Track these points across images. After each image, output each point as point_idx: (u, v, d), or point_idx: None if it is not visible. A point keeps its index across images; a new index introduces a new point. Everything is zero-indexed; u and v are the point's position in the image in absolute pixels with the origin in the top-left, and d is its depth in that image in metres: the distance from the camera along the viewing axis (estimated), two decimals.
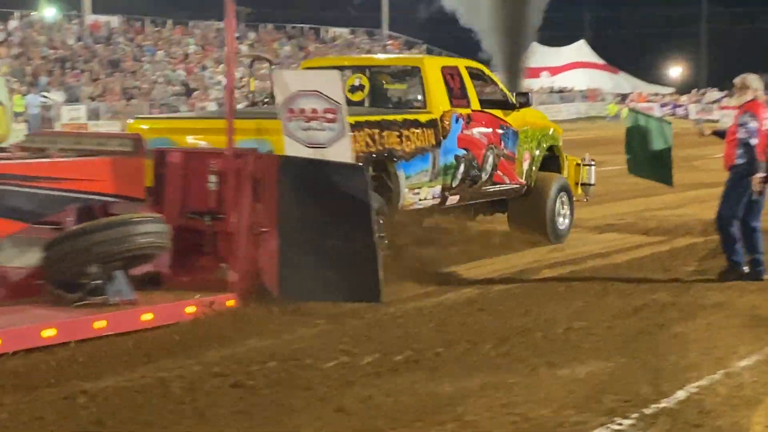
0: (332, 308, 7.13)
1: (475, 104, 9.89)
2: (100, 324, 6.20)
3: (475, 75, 10.18)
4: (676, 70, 78.17)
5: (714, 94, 58.18)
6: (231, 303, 6.90)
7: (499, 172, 10.06)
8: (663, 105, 55.33)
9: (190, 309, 6.69)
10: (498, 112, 10.17)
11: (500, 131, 10.12)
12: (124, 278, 6.69)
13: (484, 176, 9.82)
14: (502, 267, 9.30)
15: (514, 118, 10.36)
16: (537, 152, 10.68)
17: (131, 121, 8.81)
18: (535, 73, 54.38)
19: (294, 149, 7.51)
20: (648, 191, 14.43)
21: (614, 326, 6.90)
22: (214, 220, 7.35)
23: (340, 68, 9.32)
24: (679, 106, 54.35)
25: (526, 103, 10.55)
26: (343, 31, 50.69)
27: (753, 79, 8.48)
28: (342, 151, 7.42)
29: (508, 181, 10.27)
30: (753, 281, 8.34)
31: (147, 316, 6.47)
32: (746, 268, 8.49)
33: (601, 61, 63.01)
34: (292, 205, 7.08)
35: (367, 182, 7.03)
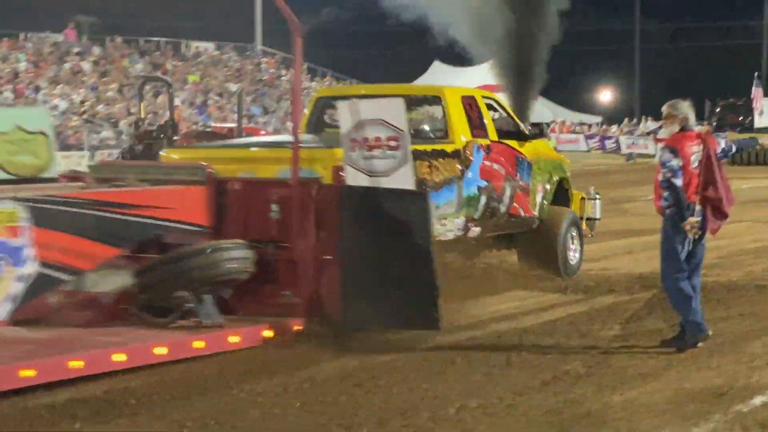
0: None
1: (493, 134, 11.31)
2: (199, 344, 7.86)
3: (490, 105, 11.73)
4: (605, 96, 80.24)
5: (649, 124, 59.94)
6: (298, 327, 8.53)
7: (515, 204, 11.43)
8: (589, 137, 56.74)
9: (267, 333, 8.34)
10: (513, 143, 11.62)
11: (516, 162, 11.54)
12: (212, 302, 8.25)
13: (503, 208, 11.21)
14: (389, 334, 9.25)
15: (527, 149, 11.84)
16: (548, 185, 12.19)
17: (163, 152, 10.45)
18: None
19: (355, 178, 8.81)
20: None
21: (517, 404, 6.92)
22: (276, 249, 8.73)
23: (359, 97, 10.53)
24: (609, 137, 55.81)
25: (540, 134, 12.23)
26: (208, 46, 50.54)
27: (681, 107, 8.62)
28: (404, 179, 8.77)
29: (523, 214, 11.64)
30: (685, 347, 8.45)
31: (234, 339, 8.12)
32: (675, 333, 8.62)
33: None
34: (354, 233, 8.52)
35: (428, 210, 8.51)
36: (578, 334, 9.27)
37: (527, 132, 11.99)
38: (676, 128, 8.55)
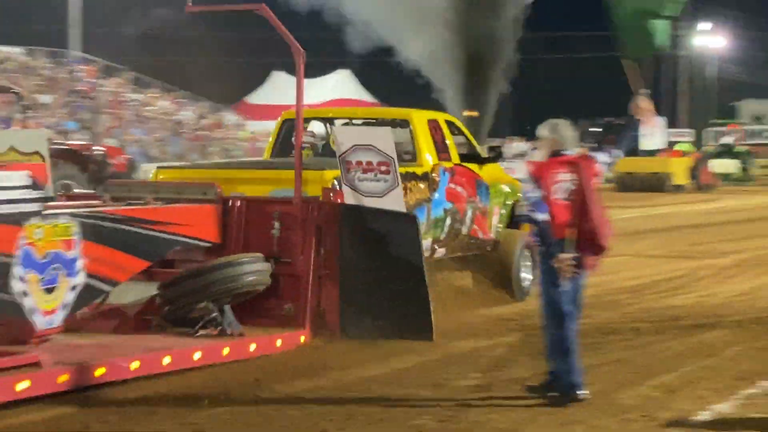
0: None
1: (455, 157, 13.37)
2: (226, 351, 9.96)
3: (451, 128, 13.79)
4: (470, 113, 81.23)
5: (520, 145, 61.08)
6: (303, 339, 10.68)
7: (475, 226, 13.49)
8: None
9: (279, 342, 10.44)
10: (474, 166, 13.69)
11: (476, 185, 13.62)
12: (231, 312, 10.30)
13: (465, 230, 13.26)
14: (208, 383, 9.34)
15: (485, 172, 13.92)
16: (503, 209, 14.33)
17: (154, 169, 12.13)
18: (274, 112, 55.02)
19: (352, 198, 11.20)
20: None
21: None
22: (277, 264, 10.66)
23: (326, 119, 13.90)
24: None
25: (497, 157, 14.69)
26: (14, 51, 49.33)
27: (557, 128, 8.82)
28: (395, 201, 11.13)
29: (481, 236, 13.71)
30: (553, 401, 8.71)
31: (253, 346, 10.19)
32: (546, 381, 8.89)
33: (370, 98, 64.56)
34: (351, 250, 10.75)
35: (419, 230, 10.87)
36: (431, 383, 9.47)
37: (484, 155, 14.21)
38: (548, 152, 8.76)
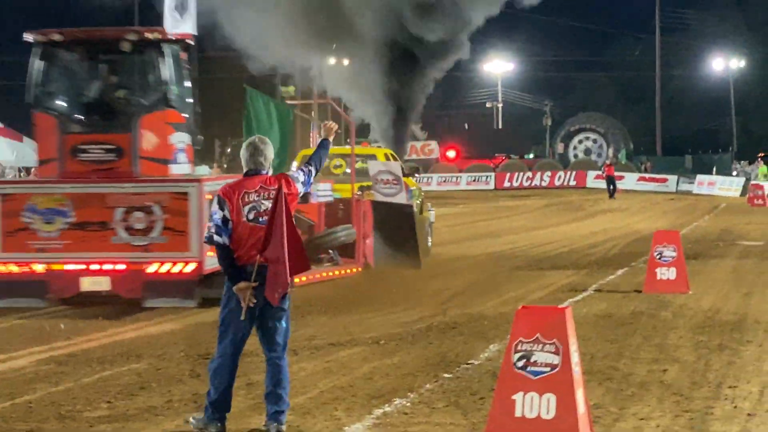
0: None
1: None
2: (336, 272, 18.79)
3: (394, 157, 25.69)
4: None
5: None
6: (359, 268, 19.31)
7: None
8: None
9: (355, 269, 19.17)
10: (408, 179, 22.80)
11: (409, 190, 22.36)
12: (337, 253, 19.04)
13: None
14: None
15: (408, 181, 22.56)
16: (419, 202, 23.66)
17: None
18: None
19: (380, 197, 20.28)
20: None
21: None
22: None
23: (341, 154, 24.08)
24: None
25: (417, 171, 26.77)
26: None
27: (250, 146, 8.45)
28: (400, 198, 20.37)
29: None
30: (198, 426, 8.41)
31: (349, 270, 19.03)
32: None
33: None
34: (379, 222, 19.84)
35: (413, 213, 20.60)
36: (57, 416, 9.09)
37: (407, 170, 24.12)
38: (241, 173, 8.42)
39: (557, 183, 64.47)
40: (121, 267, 14.76)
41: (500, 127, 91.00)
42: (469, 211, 41.94)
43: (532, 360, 7.43)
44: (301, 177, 8.56)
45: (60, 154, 15.40)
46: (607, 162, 60.19)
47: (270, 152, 8.47)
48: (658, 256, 16.34)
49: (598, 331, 12.98)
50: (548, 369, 7.41)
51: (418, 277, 18.81)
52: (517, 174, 65.81)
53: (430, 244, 23.40)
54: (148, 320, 14.38)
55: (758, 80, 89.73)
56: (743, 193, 53.55)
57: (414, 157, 64.47)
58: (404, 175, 21.18)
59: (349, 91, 40.31)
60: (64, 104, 15.94)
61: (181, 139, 15.81)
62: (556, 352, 7.40)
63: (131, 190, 14.89)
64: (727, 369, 10.74)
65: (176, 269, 14.73)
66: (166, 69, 15.57)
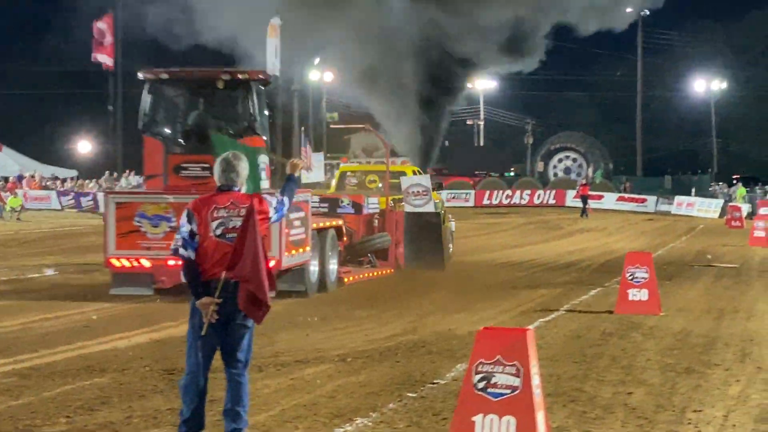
0: None
1: None
2: (374, 273, 22.43)
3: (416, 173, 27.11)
4: (83, 146, 79.71)
5: (131, 179, 60.34)
6: (392, 270, 22.99)
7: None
8: (62, 193, 56.01)
9: (388, 271, 22.85)
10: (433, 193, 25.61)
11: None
12: (374, 257, 22.89)
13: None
14: None
15: (433, 194, 25.27)
16: (442, 213, 26.34)
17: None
18: None
19: (410, 208, 23.96)
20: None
21: None
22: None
23: (370, 171, 29.45)
24: (85, 194, 55.39)
25: (440, 187, 32.00)
26: None
27: (223, 163, 8.32)
28: (429, 207, 24.01)
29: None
30: None
31: (384, 271, 22.74)
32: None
33: None
34: (409, 228, 23.45)
35: (440, 218, 24.44)
36: (14, 430, 8.99)
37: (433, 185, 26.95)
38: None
39: (536, 201, 64.62)
40: None
41: (482, 144, 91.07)
42: None
43: (492, 382, 7.37)
44: (274, 202, 8.43)
45: (164, 170, 18.85)
46: (583, 182, 60.49)
47: (243, 169, 8.34)
48: (630, 277, 16.32)
49: (566, 351, 12.94)
50: (509, 391, 7.35)
51: (391, 294, 18.77)
52: (496, 192, 65.96)
53: (451, 250, 26.19)
54: (115, 333, 14.27)
55: (739, 102, 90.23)
56: (722, 215, 53.73)
57: None
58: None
59: (388, 119, 43.87)
60: (169, 130, 19.29)
61: (262, 160, 18.17)
62: (517, 374, 7.35)
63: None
64: (693, 393, 10.69)
65: None
66: (251, 102, 18.89)
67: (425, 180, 24.48)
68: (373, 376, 11.46)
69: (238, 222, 8.05)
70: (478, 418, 7.36)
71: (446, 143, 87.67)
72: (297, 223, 18.12)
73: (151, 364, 11.95)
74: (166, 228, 17.65)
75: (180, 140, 19.07)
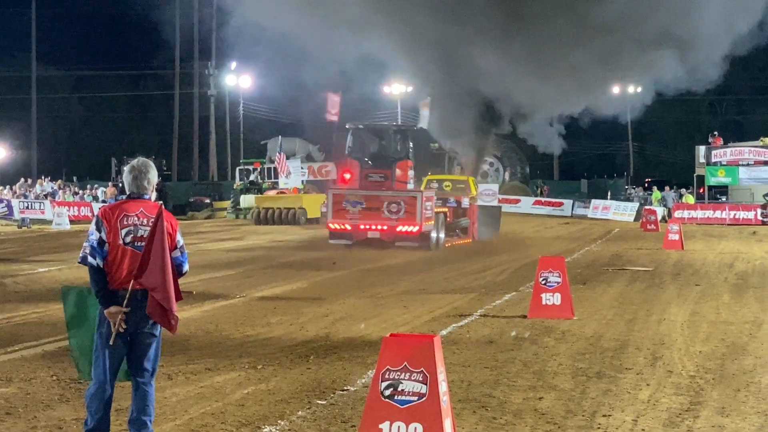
0: None
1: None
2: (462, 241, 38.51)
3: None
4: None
5: (46, 185, 59.66)
6: (470, 240, 38.28)
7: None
8: None
9: (467, 240, 38.35)
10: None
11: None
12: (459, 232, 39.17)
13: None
14: None
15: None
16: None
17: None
18: None
19: (482, 202, 43.77)
20: None
21: None
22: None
23: (448, 180, 42.05)
24: None
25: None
26: None
27: (133, 170, 8.23)
28: (494, 202, 46.99)
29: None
30: None
31: (465, 240, 38.31)
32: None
33: None
34: (481, 217, 40.00)
35: (500, 210, 43.50)
36: None
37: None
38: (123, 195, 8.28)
39: None
40: (385, 227, 31.71)
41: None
42: None
43: (399, 389, 7.38)
44: (181, 240, 8.28)
45: (359, 178, 33.13)
46: None
47: (154, 177, 8.29)
48: (543, 282, 16.42)
49: (478, 357, 12.97)
50: (415, 398, 7.36)
51: (304, 300, 18.68)
52: None
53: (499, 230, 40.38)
54: (23, 342, 14.04)
55: (654, 105, 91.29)
56: (637, 218, 54.38)
57: (311, 178, 64.39)
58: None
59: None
60: (361, 155, 33.75)
61: (412, 173, 33.69)
62: (424, 381, 7.35)
63: (391, 194, 32.06)
64: (603, 397, 10.78)
65: (410, 229, 31.60)
66: (407, 140, 34.11)
67: (495, 187, 49.82)
68: (283, 383, 11.40)
69: (147, 230, 7.98)
70: (385, 426, 7.36)
71: None
72: (428, 205, 31.99)
73: (58, 373, 11.78)
74: (360, 208, 31.79)
75: (367, 161, 33.37)
